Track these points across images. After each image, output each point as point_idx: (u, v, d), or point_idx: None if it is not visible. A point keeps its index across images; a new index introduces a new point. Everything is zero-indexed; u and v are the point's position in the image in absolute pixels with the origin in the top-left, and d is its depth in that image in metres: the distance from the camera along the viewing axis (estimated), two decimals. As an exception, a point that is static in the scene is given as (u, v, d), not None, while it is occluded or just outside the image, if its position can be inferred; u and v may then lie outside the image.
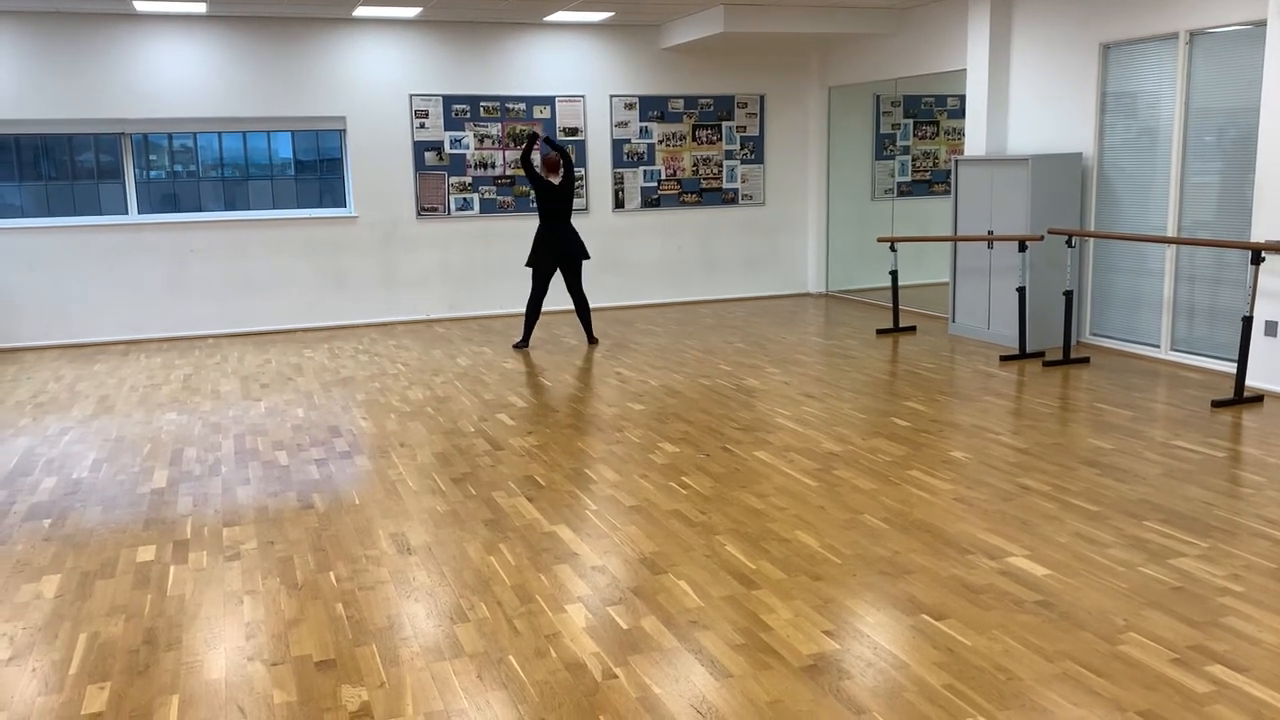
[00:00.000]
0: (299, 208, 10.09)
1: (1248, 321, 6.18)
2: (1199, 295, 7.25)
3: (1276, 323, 6.39)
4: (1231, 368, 6.80)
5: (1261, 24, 6.45)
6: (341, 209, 10.04)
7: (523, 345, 8.63)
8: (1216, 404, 6.19)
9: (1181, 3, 7.06)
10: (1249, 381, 6.46)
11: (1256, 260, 6.15)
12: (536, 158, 10.31)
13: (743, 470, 5.16)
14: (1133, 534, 4.16)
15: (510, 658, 3.25)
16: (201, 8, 8.72)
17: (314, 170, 10.33)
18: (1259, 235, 6.43)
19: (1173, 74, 7.22)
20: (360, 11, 9.13)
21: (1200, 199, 7.16)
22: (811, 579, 3.80)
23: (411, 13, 9.28)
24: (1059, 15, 8.08)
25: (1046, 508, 4.50)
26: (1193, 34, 7.05)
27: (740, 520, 4.44)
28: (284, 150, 10.26)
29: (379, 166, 9.96)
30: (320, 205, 10.12)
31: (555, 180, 8.49)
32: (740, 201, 11.26)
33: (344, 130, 9.84)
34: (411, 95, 9.94)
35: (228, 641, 3.41)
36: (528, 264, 8.56)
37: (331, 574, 3.96)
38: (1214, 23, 6.87)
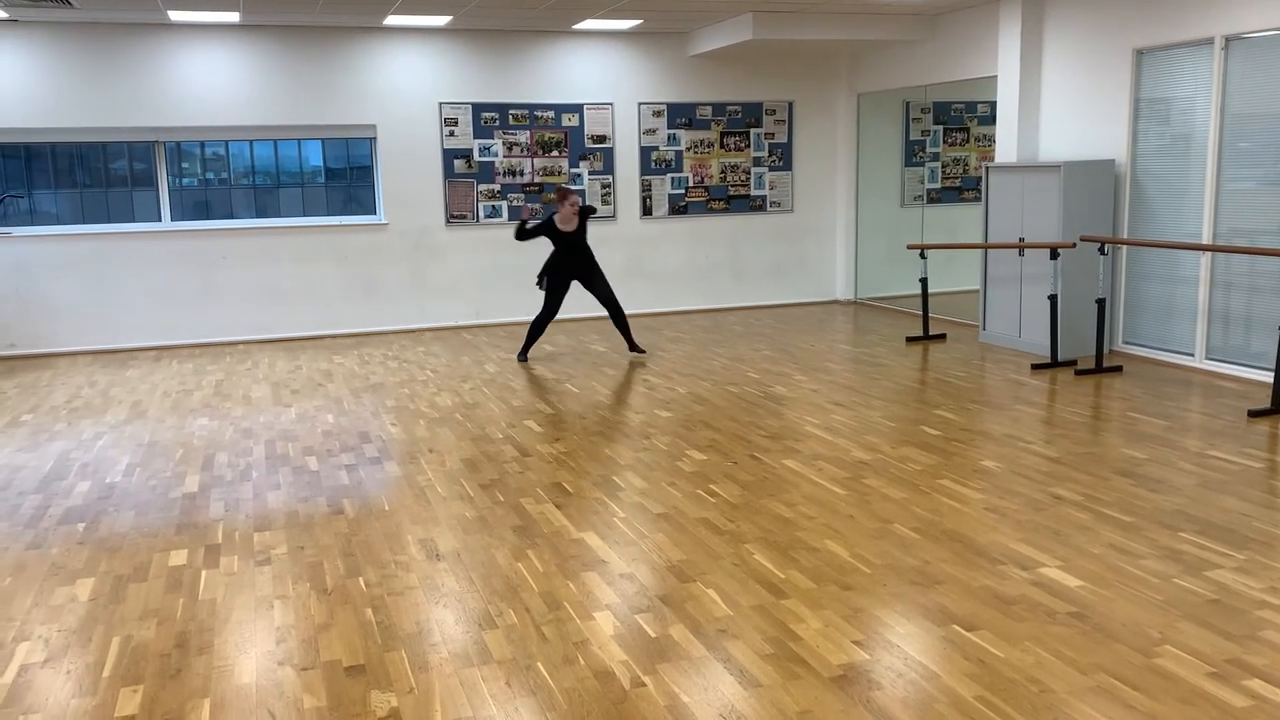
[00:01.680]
0: (329, 215, 10.17)
1: (1285, 330, 6.08)
2: (1234, 303, 7.16)
3: (1314, 331, 6.29)
4: (1268, 377, 6.69)
5: (1299, 29, 6.37)
6: (371, 216, 10.11)
7: (523, 358, 8.41)
8: (1253, 414, 6.10)
9: (1216, 8, 6.98)
10: (1286, 391, 6.36)
11: (1294, 268, 6.05)
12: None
13: (771, 478, 5.14)
14: (1167, 545, 4.11)
15: (539, 665, 3.25)
16: (234, 17, 8.82)
17: (344, 178, 10.42)
18: (1296, 243, 6.33)
19: (1208, 79, 7.13)
20: (391, 20, 9.20)
21: (1236, 206, 7.07)
22: (841, 589, 3.78)
23: (441, 21, 9.34)
24: (1091, 21, 8.01)
25: (1079, 518, 4.45)
26: (1228, 39, 6.96)
27: (769, 529, 4.42)
28: (314, 158, 10.35)
29: (409, 174, 10.02)
30: (350, 212, 10.19)
31: (568, 229, 8.11)
32: (768, 208, 11.24)
33: (374, 138, 9.91)
34: (441, 103, 10.00)
35: (258, 646, 3.43)
36: (540, 279, 8.24)
37: (361, 579, 3.98)
38: (1250, 28, 6.78)
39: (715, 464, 5.41)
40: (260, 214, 10.10)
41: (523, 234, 8.03)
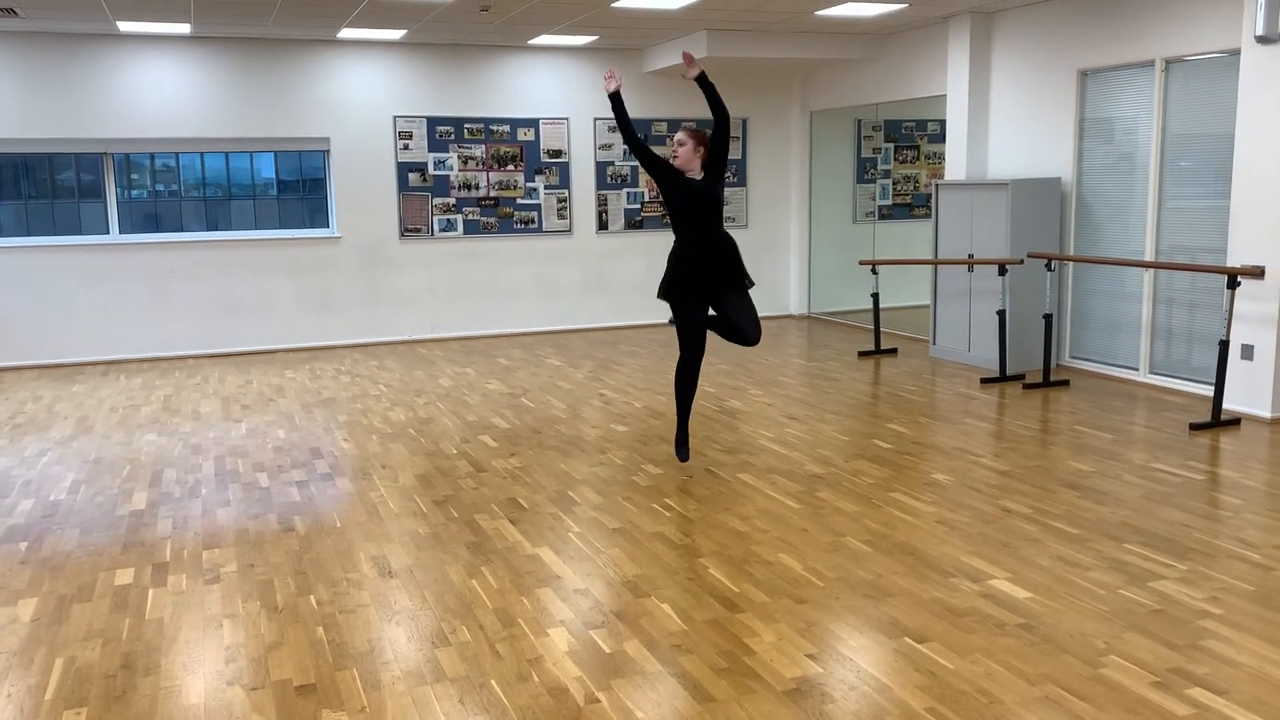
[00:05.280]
0: (282, 228, 10.07)
1: (1224, 345, 6.24)
2: (1177, 319, 7.33)
3: (1253, 346, 6.46)
4: (1209, 391, 6.85)
5: (1235, 53, 6.55)
6: (324, 229, 10.03)
7: (682, 454, 5.51)
8: (1195, 427, 6.24)
9: (1157, 31, 7.17)
10: (1226, 405, 6.52)
11: (1232, 285, 6.22)
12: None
13: (726, 493, 5.17)
14: (1113, 556, 4.19)
15: (492, 682, 3.23)
16: (185, 28, 8.72)
17: (297, 190, 10.33)
18: (1234, 260, 6.50)
19: (1149, 101, 7.31)
20: (345, 33, 9.15)
21: (1177, 224, 7.25)
22: (795, 602, 3.80)
23: (396, 35, 9.31)
24: (1037, 43, 8.18)
25: (1028, 530, 4.52)
26: (1169, 62, 7.15)
27: (724, 543, 4.44)
28: (267, 170, 10.24)
29: (362, 187, 9.96)
30: (303, 226, 10.10)
31: (695, 173, 5.27)
32: (724, 224, 11.29)
33: (328, 151, 9.84)
34: (395, 116, 9.95)
35: (207, 666, 3.38)
36: (664, 297, 5.36)
37: (312, 597, 3.93)
38: (1189, 51, 6.97)
39: (671, 478, 5.42)
40: (211, 226, 9.97)
41: (630, 133, 5.37)
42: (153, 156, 9.78)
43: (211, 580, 4.13)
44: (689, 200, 5.26)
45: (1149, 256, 7.39)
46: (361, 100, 9.85)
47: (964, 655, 3.34)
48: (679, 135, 5.30)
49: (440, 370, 8.70)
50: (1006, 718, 2.96)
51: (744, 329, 5.32)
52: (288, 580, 4.11)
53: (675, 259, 5.34)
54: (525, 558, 4.31)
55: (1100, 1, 7.58)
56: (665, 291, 5.35)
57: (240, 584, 4.09)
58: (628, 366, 8.68)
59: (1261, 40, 6.18)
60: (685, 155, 5.25)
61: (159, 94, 9.22)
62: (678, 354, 5.44)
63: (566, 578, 4.08)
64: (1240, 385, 6.52)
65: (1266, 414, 6.40)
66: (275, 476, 5.62)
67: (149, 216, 9.85)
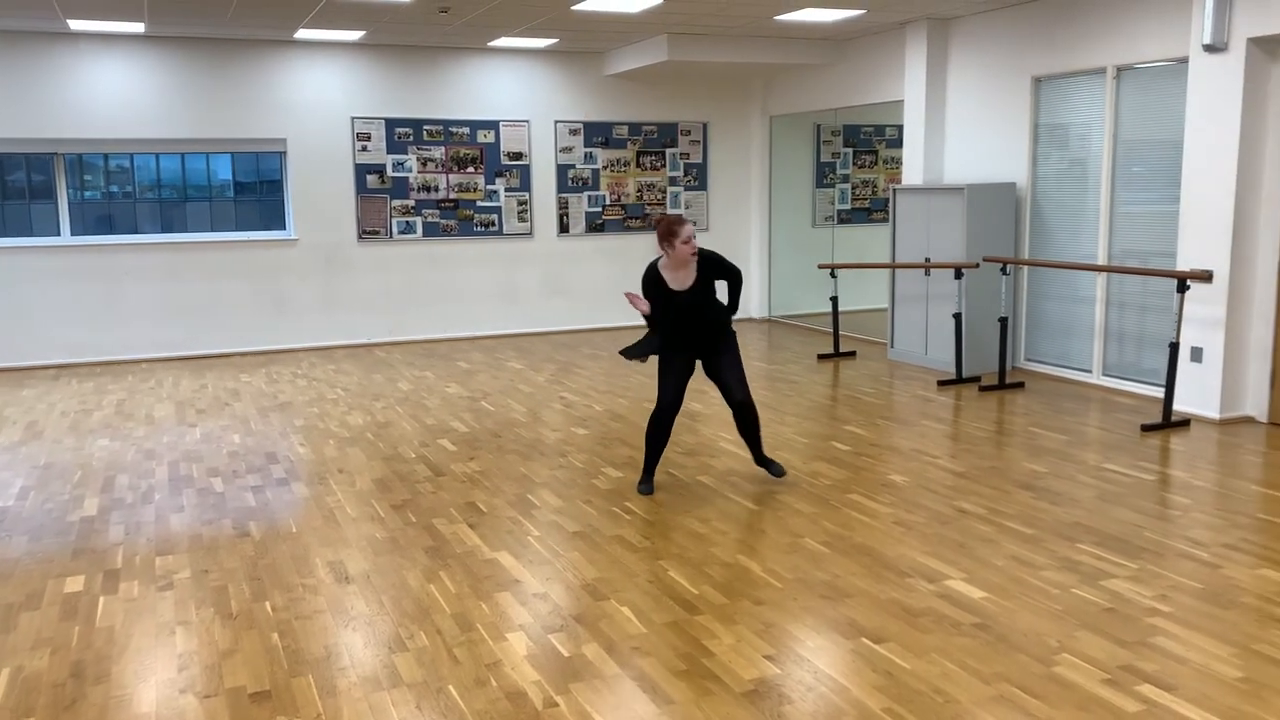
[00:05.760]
0: (238, 230, 9.95)
1: (1174, 348, 6.36)
2: (1128, 322, 7.45)
3: (1202, 349, 6.58)
4: (1160, 392, 6.97)
5: (1184, 61, 6.68)
6: (281, 231, 9.92)
7: (646, 487, 5.26)
8: (1146, 428, 6.35)
9: (1109, 39, 7.29)
10: (1176, 406, 6.64)
11: (1182, 288, 6.33)
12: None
13: (686, 495, 5.18)
14: (1066, 556, 4.25)
15: (450, 687, 3.21)
16: (139, 27, 8.60)
17: (254, 192, 10.22)
18: (1184, 264, 6.62)
19: (1101, 107, 7.43)
20: (302, 34, 9.07)
21: (1129, 228, 7.37)
22: (753, 603, 3.82)
23: (354, 36, 9.24)
24: (993, 49, 8.29)
25: (983, 530, 4.57)
26: (1120, 69, 7.27)
27: (683, 545, 4.45)
28: (223, 171, 10.13)
29: (320, 189, 9.87)
30: (260, 228, 9.99)
31: (680, 286, 5.02)
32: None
33: (284, 152, 9.74)
34: (354, 118, 9.88)
35: (159, 674, 3.33)
36: (637, 350, 5.21)
37: (267, 603, 3.89)
38: (1140, 59, 7.10)
39: (631, 481, 5.42)
40: (166, 228, 9.84)
41: (639, 350, 5.17)
42: (106, 157, 9.63)
43: (164, 587, 4.07)
44: (675, 311, 5.06)
45: (1101, 260, 7.51)
46: (319, 101, 9.76)
47: (920, 655, 3.38)
48: (685, 229, 4.92)
49: (399, 374, 8.64)
50: (962, 717, 2.99)
51: (730, 387, 5.15)
52: (242, 586, 4.06)
53: (660, 328, 5.12)
54: (484, 562, 4.29)
55: (1054, 9, 7.69)
56: (649, 347, 5.13)
57: (194, 590, 4.03)
58: (589, 370, 8.67)
59: (1209, 49, 6.30)
60: (687, 253, 4.92)
61: (112, 94, 9.08)
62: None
63: (525, 581, 4.07)
64: (1190, 387, 6.64)
65: (1215, 415, 6.52)
66: (230, 482, 5.55)
67: (102, 218, 9.69)
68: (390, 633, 3.61)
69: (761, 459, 5.39)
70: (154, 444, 6.39)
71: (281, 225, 9.95)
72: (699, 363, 5.20)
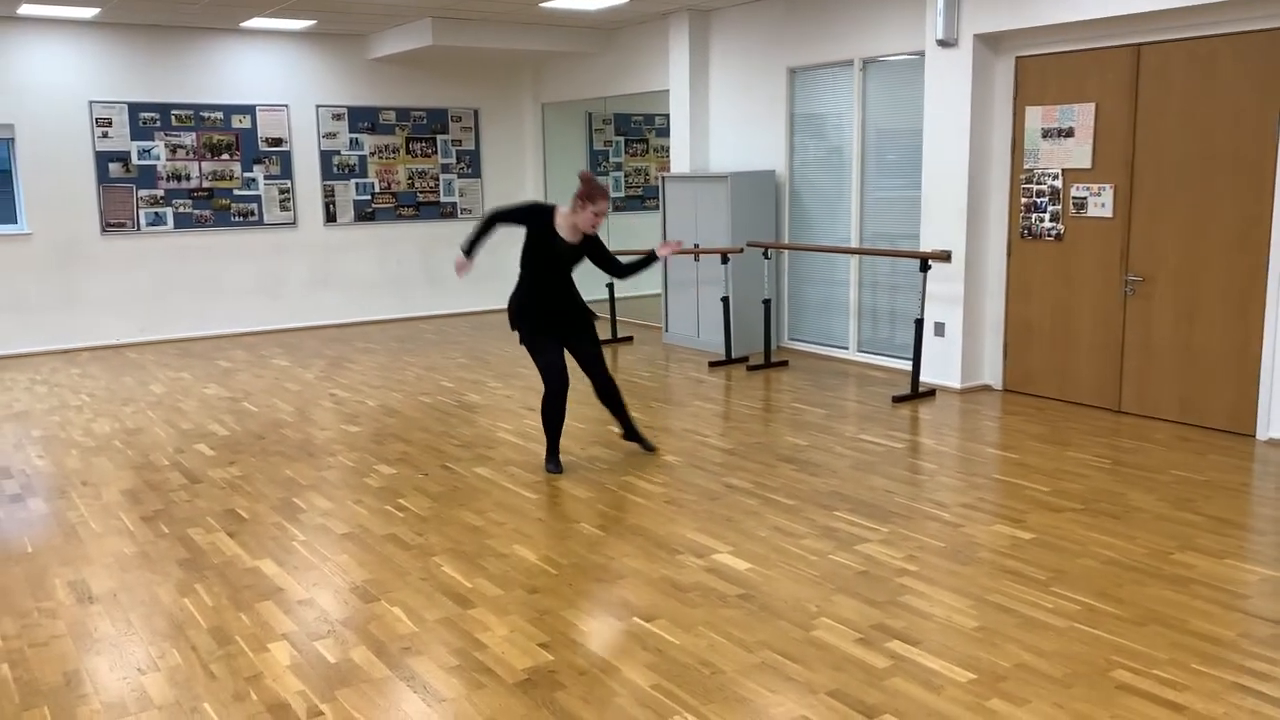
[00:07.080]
0: (-42, 224, 9.02)
1: (919, 323, 6.82)
2: (880, 301, 7.93)
3: (944, 324, 7.08)
4: (909, 365, 7.46)
5: (921, 54, 7.15)
6: (12, 225, 9.06)
7: (554, 466, 5.36)
8: (896, 399, 6.78)
9: (855, 32, 7.70)
10: (923, 378, 7.13)
11: (924, 268, 6.79)
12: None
13: (463, 488, 5.11)
14: (824, 524, 4.48)
15: (206, 705, 3.04)
16: None
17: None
18: (926, 245, 7.10)
19: (851, 98, 7.85)
20: (26, 9, 8.28)
21: (879, 213, 7.83)
22: (528, 593, 3.81)
23: (88, 13, 8.53)
24: (750, 40, 8.59)
25: (749, 504, 4.75)
26: (866, 61, 7.70)
27: (458, 539, 4.39)
28: (-62, 160, 9.15)
29: (56, 179, 9.08)
30: (-15, 221, 9.09)
31: (569, 238, 5.20)
32: (460, 215, 11.17)
33: (12, 139, 8.89)
34: (92, 102, 9.14)
35: None
36: (517, 328, 5.35)
37: (-4, 633, 3.55)
38: (883, 52, 7.54)
39: (405, 477, 5.30)
40: None
41: (479, 235, 5.28)
42: None
43: None
44: (550, 254, 5.22)
45: (854, 243, 7.95)
46: (50, 84, 8.97)
47: (688, 630, 3.47)
48: (604, 205, 5.14)
49: (152, 376, 8.08)
50: (727, 687, 3.09)
51: (595, 365, 5.46)
52: (-34, 617, 3.69)
53: (519, 295, 5.33)
54: (244, 571, 4.08)
55: (805, 2, 8.05)
56: (515, 323, 5.35)
57: (-94, 626, 3.63)
58: (361, 364, 8.41)
59: (942, 44, 6.77)
60: (589, 223, 5.16)
61: None
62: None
63: (289, 589, 3.90)
64: (934, 360, 7.14)
65: (957, 385, 7.04)
66: (-47, 502, 5.03)
67: None
68: (140, 653, 3.37)
69: (632, 433, 5.71)
70: None
71: (12, 219, 9.09)
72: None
